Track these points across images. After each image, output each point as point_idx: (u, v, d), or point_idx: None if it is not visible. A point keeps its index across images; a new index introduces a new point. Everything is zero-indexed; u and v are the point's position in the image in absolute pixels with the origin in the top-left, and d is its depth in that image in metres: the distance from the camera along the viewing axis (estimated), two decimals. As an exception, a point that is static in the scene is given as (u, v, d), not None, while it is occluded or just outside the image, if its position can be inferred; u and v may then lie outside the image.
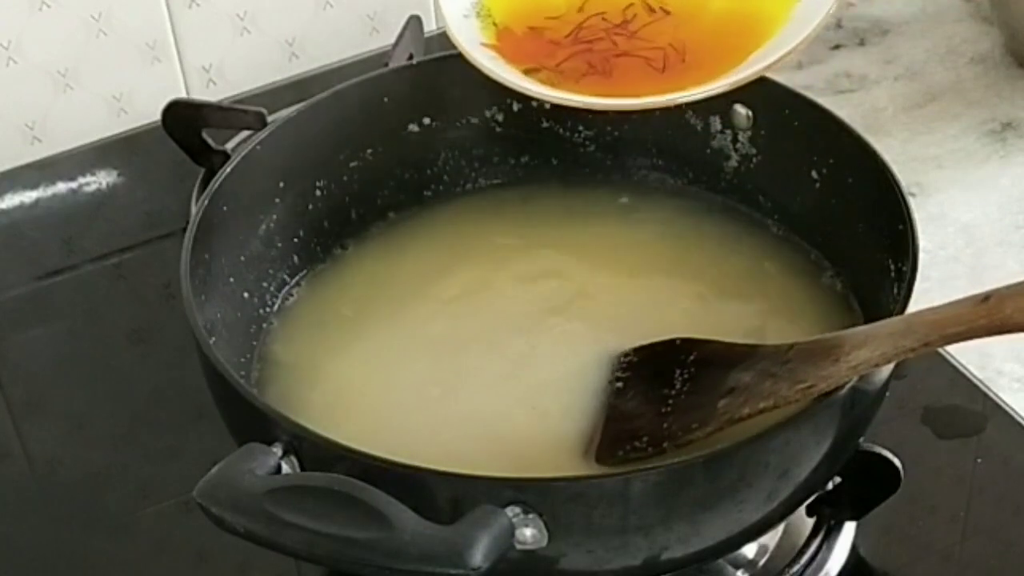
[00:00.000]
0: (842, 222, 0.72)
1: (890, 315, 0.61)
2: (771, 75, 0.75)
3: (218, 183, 0.70)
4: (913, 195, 0.91)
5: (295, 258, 0.75)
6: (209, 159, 0.92)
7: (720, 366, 0.63)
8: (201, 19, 1.02)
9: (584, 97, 0.67)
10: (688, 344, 0.66)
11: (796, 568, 0.68)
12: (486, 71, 0.67)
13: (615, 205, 0.78)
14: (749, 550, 0.70)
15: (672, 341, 0.66)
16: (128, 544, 0.74)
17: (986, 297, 0.56)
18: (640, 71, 0.68)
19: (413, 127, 0.76)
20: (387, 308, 0.73)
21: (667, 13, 0.70)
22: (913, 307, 0.62)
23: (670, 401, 0.64)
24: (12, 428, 0.82)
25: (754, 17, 0.69)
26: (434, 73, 0.77)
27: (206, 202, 0.68)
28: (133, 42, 1.01)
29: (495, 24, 0.69)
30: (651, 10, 0.70)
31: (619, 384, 0.67)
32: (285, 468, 0.57)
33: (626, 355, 0.68)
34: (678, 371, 0.65)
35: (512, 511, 0.54)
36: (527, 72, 0.68)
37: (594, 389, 0.67)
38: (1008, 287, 0.56)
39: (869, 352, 0.58)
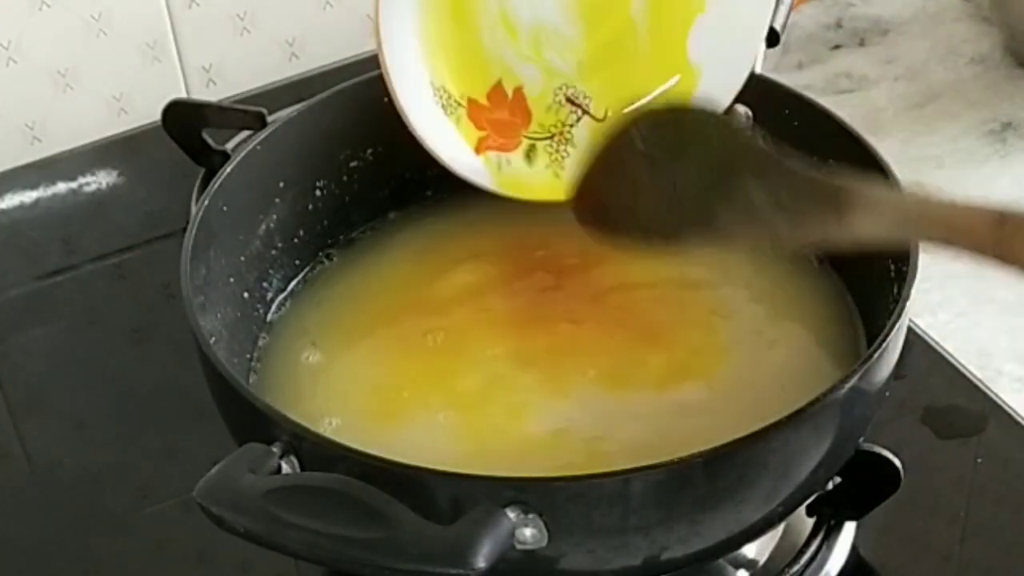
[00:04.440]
0: (842, 222, 0.72)
1: (889, 316, 0.61)
2: (771, 75, 0.75)
3: (218, 183, 0.70)
4: (913, 195, 0.91)
5: (295, 258, 0.75)
6: (209, 159, 0.92)
7: (737, 163, 0.59)
8: (201, 19, 1.02)
9: None
10: (714, 121, 0.62)
11: (796, 568, 0.68)
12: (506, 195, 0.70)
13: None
14: (749, 550, 0.70)
15: (699, 108, 0.63)
16: (128, 544, 0.74)
17: (1002, 221, 0.52)
18: None
19: (413, 127, 0.76)
20: (387, 309, 0.73)
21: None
22: (914, 311, 0.63)
23: (678, 185, 0.61)
24: (12, 428, 0.82)
25: None
26: (434, 73, 0.77)
27: (206, 202, 0.68)
28: (133, 42, 1.01)
29: (460, 105, 0.69)
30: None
31: (641, 146, 0.62)
32: (285, 468, 0.57)
33: (657, 112, 0.64)
34: (694, 149, 0.61)
35: (512, 511, 0.54)
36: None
37: (596, 389, 0.67)
38: None
39: (872, 226, 0.56)
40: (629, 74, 0.71)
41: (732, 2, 0.71)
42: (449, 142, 0.69)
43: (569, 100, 0.71)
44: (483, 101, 0.70)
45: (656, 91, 0.71)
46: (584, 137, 0.71)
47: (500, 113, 0.70)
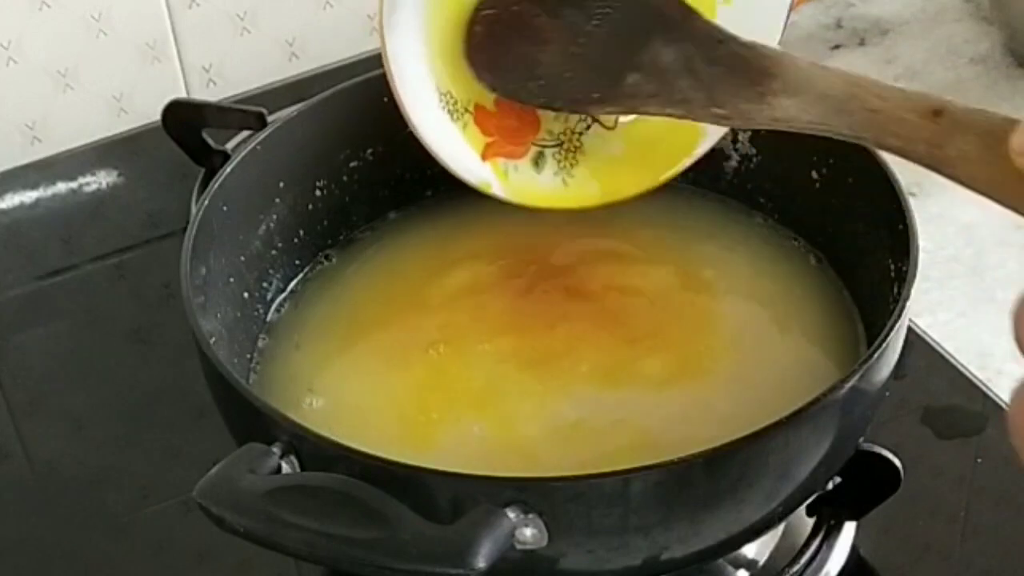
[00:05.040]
0: (842, 222, 0.72)
1: (889, 316, 0.61)
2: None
3: (218, 183, 0.70)
4: (913, 195, 0.91)
5: (295, 258, 0.75)
6: (209, 159, 0.92)
7: (645, 19, 0.55)
8: (201, 19, 1.02)
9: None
10: None
11: (796, 568, 0.68)
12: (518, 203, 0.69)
13: (615, 206, 0.77)
14: (749, 550, 0.70)
15: None
16: (128, 544, 0.74)
17: (938, 112, 0.47)
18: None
19: (413, 127, 0.76)
20: (387, 309, 0.73)
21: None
22: (914, 311, 0.63)
23: (581, 39, 0.57)
24: (12, 428, 0.82)
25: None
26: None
27: (206, 202, 0.68)
28: (133, 42, 1.01)
29: (467, 111, 0.68)
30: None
31: None
32: (285, 468, 0.57)
33: None
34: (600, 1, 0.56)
35: (512, 511, 0.54)
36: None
37: (596, 388, 0.67)
38: (966, 111, 0.46)
39: (796, 110, 0.51)
40: None
41: (748, 9, 0.70)
42: (455, 148, 0.68)
43: None
44: (491, 107, 0.68)
45: None
46: (594, 145, 0.70)
47: (508, 120, 0.69)
